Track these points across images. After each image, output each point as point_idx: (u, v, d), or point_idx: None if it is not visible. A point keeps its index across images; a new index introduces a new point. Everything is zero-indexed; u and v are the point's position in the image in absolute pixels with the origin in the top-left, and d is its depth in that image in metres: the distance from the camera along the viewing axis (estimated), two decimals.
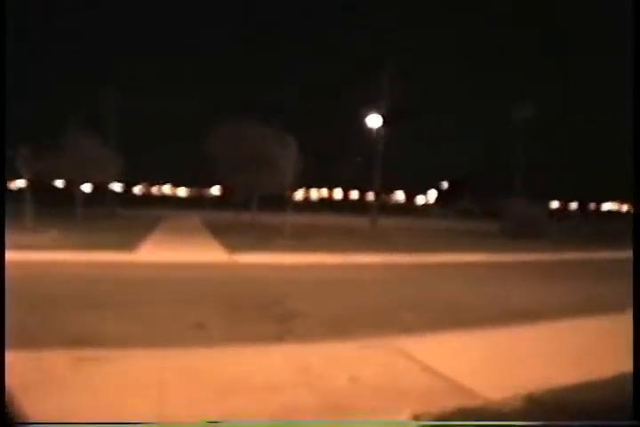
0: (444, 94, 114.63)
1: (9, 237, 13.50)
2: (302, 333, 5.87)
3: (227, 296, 7.97)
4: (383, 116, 27.64)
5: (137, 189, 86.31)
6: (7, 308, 4.28)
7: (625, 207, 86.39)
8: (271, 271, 11.17)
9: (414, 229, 26.00)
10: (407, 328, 6.05)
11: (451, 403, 3.52)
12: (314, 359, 4.54)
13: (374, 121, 27.97)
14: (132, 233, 16.79)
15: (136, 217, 26.35)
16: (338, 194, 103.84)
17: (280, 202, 19.19)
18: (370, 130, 28.26)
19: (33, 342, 5.00)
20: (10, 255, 11.04)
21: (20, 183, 16.72)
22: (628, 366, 3.28)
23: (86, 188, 24.94)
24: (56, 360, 4.30)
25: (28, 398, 2.24)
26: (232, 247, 13.81)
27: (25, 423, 2.26)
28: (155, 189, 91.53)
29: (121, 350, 4.72)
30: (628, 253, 8.83)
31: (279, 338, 5.63)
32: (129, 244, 13.74)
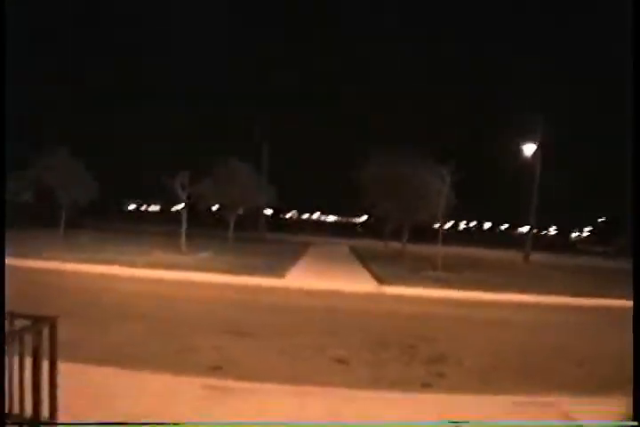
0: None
1: (167, 257, 14.94)
2: (451, 380, 5.30)
3: (374, 330, 7.64)
4: (539, 147, 26.06)
5: (288, 216, 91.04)
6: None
7: None
8: (421, 306, 10.68)
9: (571, 266, 23.33)
10: (573, 386, 5.09)
11: None
12: (464, 413, 3.98)
13: (530, 151, 26.47)
14: (281, 258, 17.20)
15: (285, 242, 27.38)
16: (487, 226, 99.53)
17: (429, 232, 18.60)
18: (525, 162, 26.74)
19: (170, 365, 5.00)
20: (162, 273, 12.21)
21: (178, 207, 18.21)
22: None
23: (240, 211, 26.53)
24: (188, 387, 4.22)
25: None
26: (381, 278, 13.55)
27: (24, 423, 2.44)
28: (305, 216, 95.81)
29: (257, 383, 4.53)
30: None
31: (426, 384, 5.04)
32: (278, 269, 14.03)
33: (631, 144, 4.21)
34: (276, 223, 51.92)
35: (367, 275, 14.68)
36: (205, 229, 25.72)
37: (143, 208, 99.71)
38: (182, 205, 18.24)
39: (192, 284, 11.50)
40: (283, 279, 12.76)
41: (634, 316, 3.79)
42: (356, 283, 13.05)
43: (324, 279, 13.44)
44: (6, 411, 2.37)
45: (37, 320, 2.55)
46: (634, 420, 2.63)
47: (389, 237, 28.50)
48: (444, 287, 12.70)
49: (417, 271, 15.61)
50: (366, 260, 19.00)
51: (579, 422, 3.83)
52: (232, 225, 23.39)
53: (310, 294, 11.27)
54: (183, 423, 3.32)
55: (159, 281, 11.59)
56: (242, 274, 12.76)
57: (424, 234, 21.64)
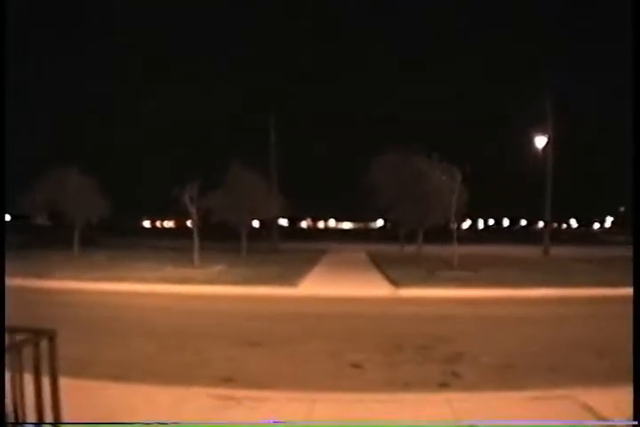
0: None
1: (180, 272, 15.08)
2: (469, 379, 5.27)
3: (389, 333, 7.63)
4: (549, 140, 25.80)
5: (303, 224, 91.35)
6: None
7: None
8: (438, 307, 10.63)
9: (591, 258, 22.95)
10: (593, 377, 5.07)
11: None
12: (481, 412, 3.95)
13: (541, 143, 26.21)
14: (294, 267, 17.26)
15: (300, 250, 27.41)
16: (506, 223, 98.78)
17: (446, 233, 18.44)
18: (538, 155, 26.48)
19: (181, 377, 5.04)
20: (175, 288, 12.29)
21: (191, 221, 18.26)
22: None
23: (254, 222, 26.55)
24: (200, 398, 4.25)
25: None
26: (397, 281, 13.53)
27: (23, 423, 2.48)
28: (320, 224, 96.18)
29: (267, 391, 4.54)
30: None
31: (443, 384, 5.00)
32: (291, 278, 14.06)
33: (631, 144, 4.31)
34: (291, 233, 52.00)
35: (383, 279, 14.68)
36: (218, 243, 25.86)
37: (158, 224, 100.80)
38: (193, 218, 18.32)
39: (204, 297, 11.59)
40: (296, 288, 12.78)
41: (634, 313, 3.84)
42: (371, 288, 13.03)
43: (339, 286, 13.45)
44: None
45: (37, 333, 2.62)
46: (634, 420, 2.64)
47: (405, 241, 28.40)
48: (461, 287, 12.62)
49: (433, 272, 15.56)
50: (381, 264, 18.97)
51: (579, 422, 3.79)
52: (244, 237, 23.42)
53: (324, 301, 11.28)
54: (184, 423, 3.43)
55: (172, 296, 11.69)
56: (254, 285, 12.83)
57: (440, 235, 21.50)
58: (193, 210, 17.57)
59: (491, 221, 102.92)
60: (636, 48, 4.33)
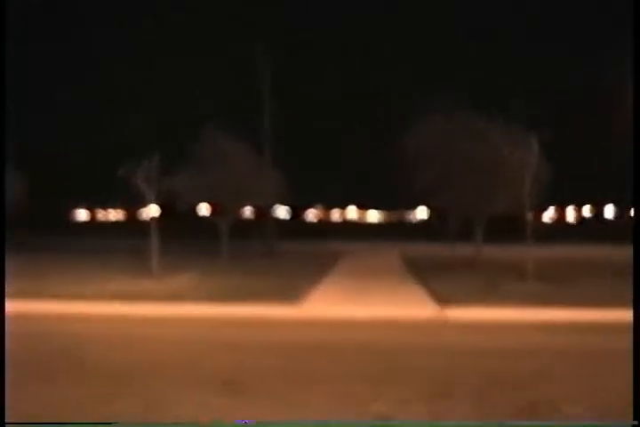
0: None
1: (131, 284, 15.23)
2: None
3: (432, 373, 7.59)
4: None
5: (310, 215, 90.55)
6: None
7: None
8: (503, 335, 10.62)
9: None
10: None
11: None
12: None
13: None
14: (297, 276, 17.38)
15: (305, 253, 27.38)
16: (608, 213, 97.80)
17: (517, 227, 18.22)
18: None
19: None
20: (122, 308, 12.35)
21: (148, 212, 18.04)
22: None
23: (244, 213, 26.37)
24: None
25: None
26: (444, 296, 13.67)
27: (22, 423, 2.57)
28: (335, 214, 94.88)
29: None
30: None
31: None
32: (291, 292, 14.13)
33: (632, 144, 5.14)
34: (294, 227, 52.02)
35: (424, 293, 14.81)
36: (190, 242, 25.83)
37: (101, 216, 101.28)
38: (151, 208, 18.21)
39: (164, 320, 11.69)
40: (299, 307, 12.89)
41: (634, 313, 5.02)
42: (406, 307, 13.16)
43: (359, 304, 13.52)
44: None
45: None
46: (634, 420, 3.38)
47: (457, 238, 28.35)
48: (539, 306, 12.63)
49: (497, 285, 15.61)
50: (422, 271, 19.15)
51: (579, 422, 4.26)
52: (225, 234, 23.29)
53: (338, 325, 11.33)
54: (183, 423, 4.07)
55: (118, 319, 11.78)
56: (238, 302, 12.93)
57: (509, 231, 21.27)
58: (151, 196, 17.43)
59: (586, 210, 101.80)
60: (636, 48, 5.46)
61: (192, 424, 4.22)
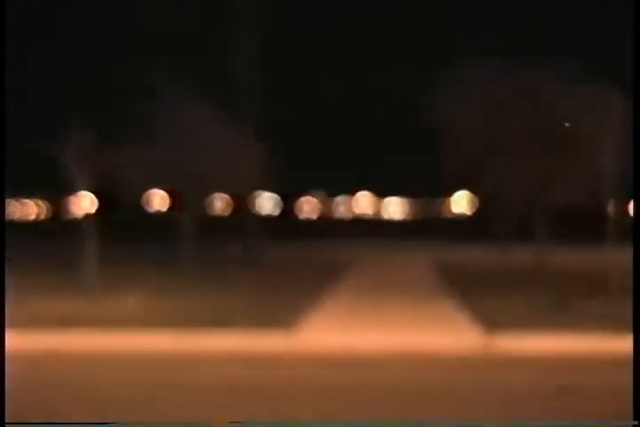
0: None
1: (58, 306, 14.42)
2: None
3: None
4: None
5: (306, 206, 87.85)
6: None
7: None
8: (576, 372, 10.01)
9: None
10: None
11: None
12: None
13: None
14: (288, 292, 16.86)
15: (300, 261, 27.09)
16: None
17: (593, 224, 17.38)
18: None
19: None
20: (44, 339, 11.43)
21: (77, 205, 16.90)
22: None
23: (214, 204, 25.39)
24: None
25: None
26: (492, 320, 13.17)
27: (22, 423, 4.87)
28: (340, 205, 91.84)
29: None
30: None
31: None
32: (280, 315, 13.60)
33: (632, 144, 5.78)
34: (284, 224, 51.30)
35: (464, 316, 14.48)
36: (139, 245, 24.83)
37: (15, 210, 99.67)
38: (84, 198, 16.85)
39: (102, 357, 10.88)
40: (290, 336, 12.42)
41: (633, 313, 6.92)
42: (438, 334, 12.85)
43: (373, 331, 13.12)
44: None
45: None
46: (634, 420, 4.03)
47: (512, 239, 27.96)
48: (624, 332, 11.84)
49: (568, 302, 15.11)
50: (462, 286, 18.65)
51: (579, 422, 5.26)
52: (189, 233, 22.40)
53: (341, 361, 10.81)
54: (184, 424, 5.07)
55: (38, 356, 10.78)
56: (205, 331, 12.39)
57: (585, 229, 20.49)
58: (82, 180, 15.92)
59: None
60: (636, 48, 6.97)
61: (192, 424, 5.00)
